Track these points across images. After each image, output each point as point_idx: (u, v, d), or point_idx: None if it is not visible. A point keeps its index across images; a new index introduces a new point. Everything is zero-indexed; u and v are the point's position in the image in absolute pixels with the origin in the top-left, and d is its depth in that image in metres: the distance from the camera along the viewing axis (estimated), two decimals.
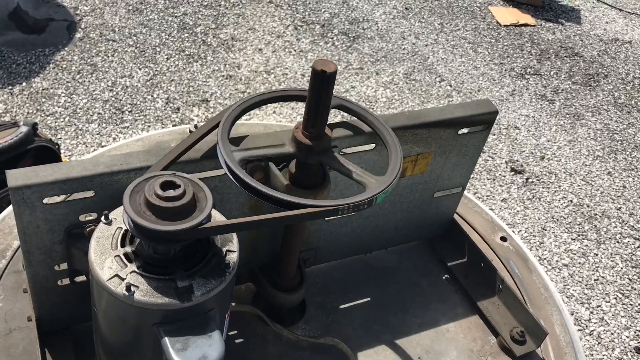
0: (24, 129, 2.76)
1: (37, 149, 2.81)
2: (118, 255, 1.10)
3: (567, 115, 4.81)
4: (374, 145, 1.47)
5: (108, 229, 1.15)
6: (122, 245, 1.13)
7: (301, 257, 1.59)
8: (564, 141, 4.55)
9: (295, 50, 4.90)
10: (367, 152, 1.47)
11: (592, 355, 3.19)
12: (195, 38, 4.85)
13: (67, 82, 4.24)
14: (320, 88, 1.19)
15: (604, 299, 3.48)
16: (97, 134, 3.89)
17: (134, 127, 4.00)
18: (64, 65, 4.37)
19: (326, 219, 1.58)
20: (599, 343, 3.25)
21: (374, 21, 5.47)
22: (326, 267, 1.72)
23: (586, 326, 3.34)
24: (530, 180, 4.17)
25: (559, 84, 5.14)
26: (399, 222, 1.73)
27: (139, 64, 4.49)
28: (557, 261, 3.65)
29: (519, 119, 4.68)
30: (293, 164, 1.32)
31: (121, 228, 1.15)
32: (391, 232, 1.74)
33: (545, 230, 3.83)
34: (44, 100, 4.06)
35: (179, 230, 1.02)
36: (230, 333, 1.53)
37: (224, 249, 1.16)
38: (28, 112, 3.94)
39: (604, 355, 3.19)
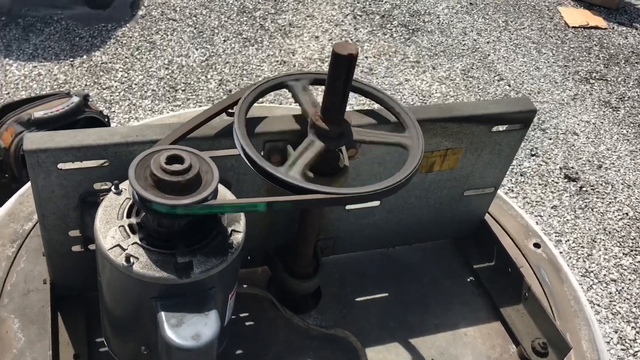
0: (75, 100, 2.83)
1: (87, 120, 2.87)
2: (122, 226, 1.10)
3: (632, 125, 4.57)
4: None
5: (117, 198, 1.15)
6: (128, 216, 1.13)
7: (319, 246, 1.56)
8: (625, 151, 4.33)
9: (352, 40, 4.85)
10: None
11: None
12: (254, 22, 4.86)
13: (126, 57, 4.33)
14: (341, 71, 1.15)
15: None
16: (150, 110, 3.96)
17: (186, 105, 4.05)
18: (124, 41, 4.47)
19: (347, 207, 1.54)
20: None
21: (436, 15, 5.35)
22: (345, 258, 1.68)
23: (630, 346, 3.17)
24: (584, 188, 3.99)
25: (626, 91, 4.89)
26: (424, 217, 1.67)
27: (196, 45, 4.54)
28: (604, 275, 3.48)
29: (578, 124, 4.48)
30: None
31: (129, 199, 1.15)
32: (416, 227, 1.69)
33: (595, 242, 3.66)
34: (102, 73, 4.17)
35: (179, 205, 1.01)
36: (241, 315, 1.52)
37: (230, 229, 1.14)
38: (86, 85, 4.05)
39: None
